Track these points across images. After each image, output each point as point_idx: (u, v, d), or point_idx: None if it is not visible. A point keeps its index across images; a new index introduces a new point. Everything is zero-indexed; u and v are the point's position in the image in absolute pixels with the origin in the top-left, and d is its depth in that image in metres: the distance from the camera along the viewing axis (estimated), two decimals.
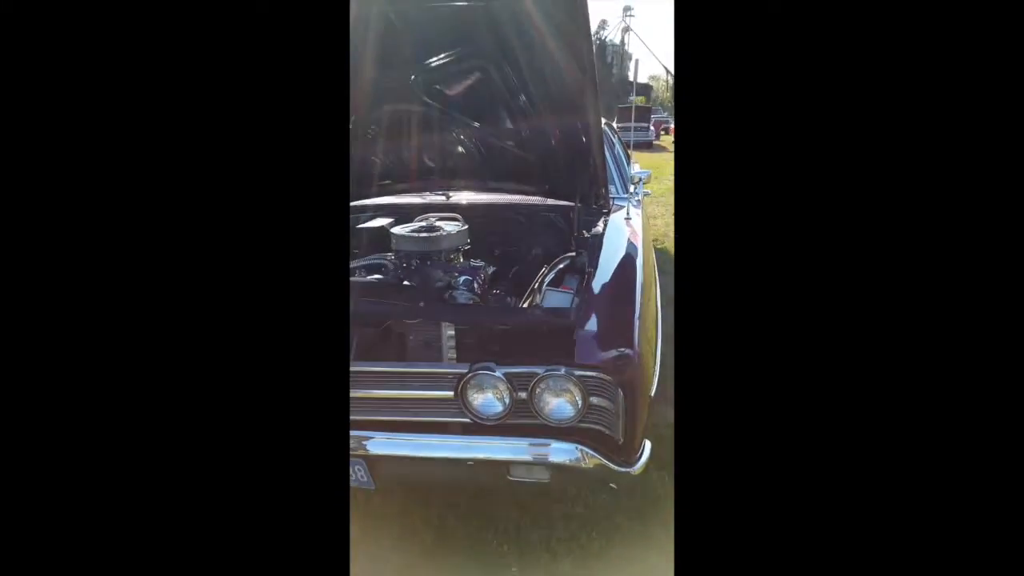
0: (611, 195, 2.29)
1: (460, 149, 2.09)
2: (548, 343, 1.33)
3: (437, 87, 1.72)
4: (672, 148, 16.70)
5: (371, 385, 1.36)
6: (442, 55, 1.60)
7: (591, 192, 2.02)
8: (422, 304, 1.43)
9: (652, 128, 18.98)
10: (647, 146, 17.24)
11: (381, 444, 1.36)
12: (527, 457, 1.33)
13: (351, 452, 1.37)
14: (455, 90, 1.72)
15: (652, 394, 1.44)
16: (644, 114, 19.17)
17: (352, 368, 1.38)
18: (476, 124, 1.97)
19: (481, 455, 1.33)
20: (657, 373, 1.55)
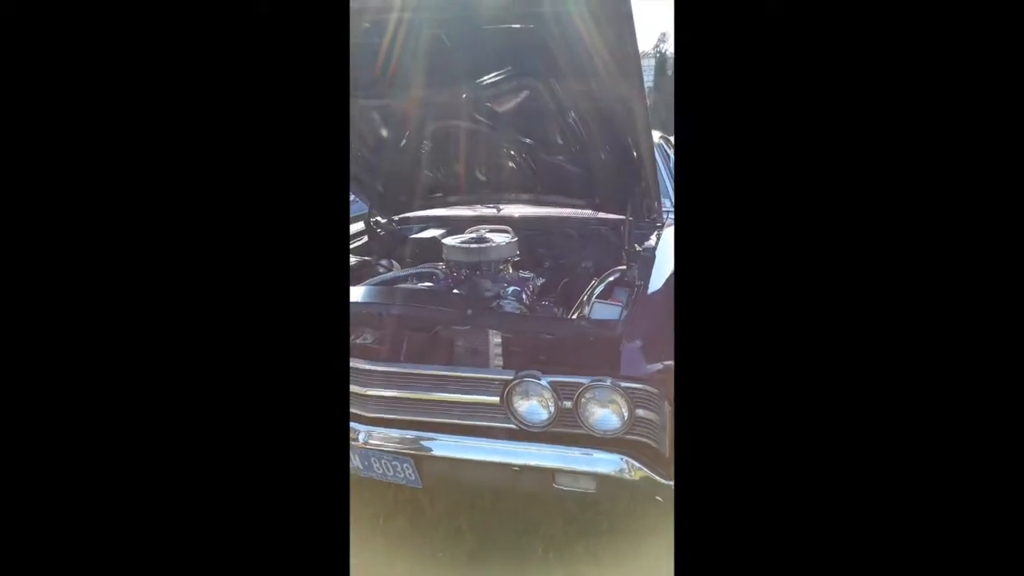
0: (666, 209, 2.29)
1: (511, 164, 2.14)
2: (595, 354, 1.34)
3: (488, 104, 1.78)
4: None
5: (419, 387, 1.42)
6: (492, 73, 1.66)
7: (643, 206, 2.03)
8: (470, 311, 1.47)
9: None
10: None
11: (429, 444, 1.41)
12: (573, 466, 1.34)
13: (400, 451, 1.43)
14: (505, 107, 1.77)
15: None
16: None
17: (401, 370, 1.44)
18: (527, 140, 2.02)
19: (527, 461, 1.36)
20: None
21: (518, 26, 1.44)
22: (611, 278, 1.78)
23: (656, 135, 3.07)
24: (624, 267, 1.83)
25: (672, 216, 2.23)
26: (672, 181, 2.78)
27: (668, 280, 1.62)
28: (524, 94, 1.71)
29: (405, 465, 1.45)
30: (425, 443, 1.43)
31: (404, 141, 2.05)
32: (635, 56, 1.43)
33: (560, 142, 1.95)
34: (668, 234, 1.98)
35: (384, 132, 2.02)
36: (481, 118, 1.86)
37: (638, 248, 1.89)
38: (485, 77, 1.67)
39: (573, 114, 1.79)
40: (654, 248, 1.85)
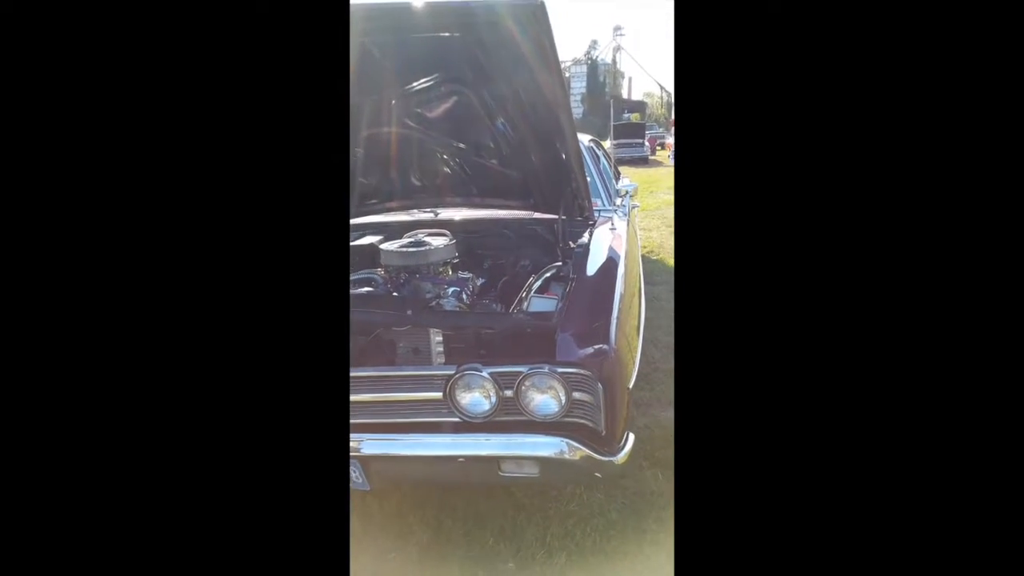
0: (597, 208, 2.40)
1: (446, 169, 2.19)
2: (532, 344, 1.41)
3: (418, 110, 1.83)
4: (669, 162, 16.90)
5: (364, 389, 1.43)
6: (421, 80, 1.71)
7: (574, 205, 2.12)
8: (409, 312, 1.50)
9: (647, 144, 19.24)
10: (643, 161, 17.46)
11: (373, 444, 1.43)
12: (515, 452, 1.39)
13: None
14: (435, 112, 1.82)
15: (630, 386, 1.51)
16: (638, 130, 19.47)
17: None
18: (461, 145, 2.07)
19: (470, 451, 1.40)
20: (636, 369, 1.62)
21: (445, 35, 1.49)
22: (548, 274, 1.86)
23: (587, 138, 3.22)
24: (560, 263, 1.90)
25: (602, 214, 2.34)
26: (603, 181, 2.92)
27: (598, 272, 1.72)
28: (453, 99, 1.76)
29: (352, 469, 1.46)
30: (370, 444, 1.44)
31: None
32: (556, 65, 1.52)
33: (492, 146, 2.02)
34: (600, 231, 2.08)
35: None
36: (412, 124, 1.90)
37: (572, 245, 1.97)
38: (414, 83, 1.72)
39: (502, 119, 1.86)
40: (587, 244, 1.94)
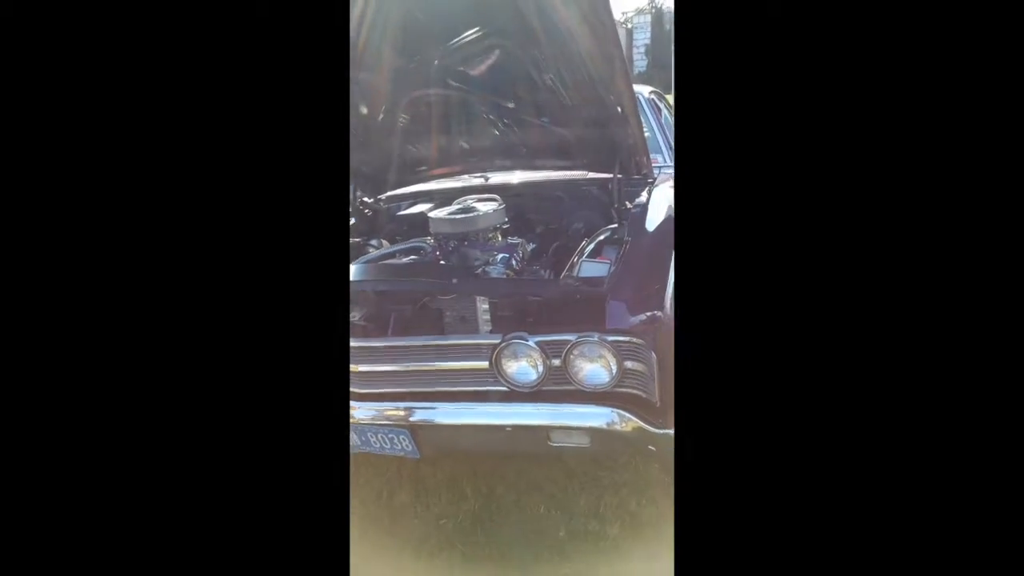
0: (657, 164, 2.25)
1: (494, 130, 2.11)
2: (582, 312, 1.34)
3: (461, 68, 1.75)
4: None
5: (409, 359, 1.43)
6: (463, 35, 1.63)
7: (632, 162, 2.00)
8: (455, 280, 1.47)
9: None
10: None
11: (421, 413, 1.43)
12: (563, 421, 1.35)
13: (396, 423, 1.45)
14: (478, 70, 1.74)
15: None
16: None
17: (390, 344, 1.45)
18: (509, 104, 1.99)
19: (517, 420, 1.37)
20: None
21: None
22: (601, 237, 1.78)
23: (647, 89, 3.01)
24: (615, 225, 1.81)
25: (663, 171, 2.20)
26: (664, 136, 2.74)
27: (657, 234, 1.61)
28: (496, 53, 1.67)
29: (402, 437, 1.47)
30: (420, 413, 1.45)
31: (381, 116, 2.02)
32: (606, 7, 1.40)
33: (541, 104, 1.92)
34: (659, 190, 1.95)
35: (362, 110, 2.00)
36: (457, 84, 1.83)
37: (628, 205, 1.86)
38: (454, 40, 1.64)
39: (551, 74, 1.76)
40: (645, 204, 1.82)
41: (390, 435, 1.48)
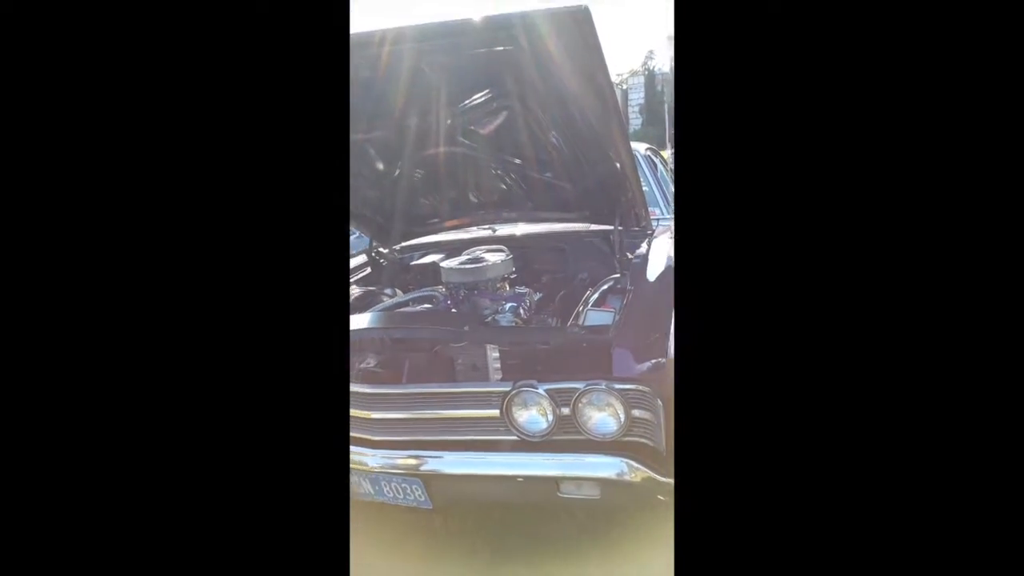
0: (655, 216, 2.33)
1: (502, 185, 2.20)
2: (588, 360, 1.37)
3: (471, 128, 1.85)
4: None
5: (421, 406, 1.45)
6: (474, 97, 1.73)
7: (631, 215, 2.08)
8: (466, 328, 1.51)
9: None
10: None
11: (436, 463, 1.44)
12: (574, 472, 1.36)
13: (408, 472, 1.45)
14: (488, 129, 1.84)
15: None
16: None
17: (403, 391, 1.47)
18: (516, 160, 2.08)
19: (529, 471, 1.37)
20: None
21: (489, 49, 1.51)
22: (605, 286, 1.82)
23: (643, 146, 3.15)
24: (617, 275, 1.86)
25: (661, 223, 2.28)
26: (661, 190, 2.85)
27: (658, 283, 1.66)
28: (504, 115, 1.77)
29: (415, 487, 1.47)
30: (432, 463, 1.45)
31: (398, 172, 2.12)
32: (604, 70, 1.49)
33: (545, 159, 2.01)
34: (659, 241, 2.02)
35: (379, 165, 2.09)
36: (467, 141, 1.93)
37: (630, 256, 1.93)
38: (466, 102, 1.74)
39: (554, 132, 1.86)
40: (645, 254, 1.89)
41: (403, 484, 1.48)
